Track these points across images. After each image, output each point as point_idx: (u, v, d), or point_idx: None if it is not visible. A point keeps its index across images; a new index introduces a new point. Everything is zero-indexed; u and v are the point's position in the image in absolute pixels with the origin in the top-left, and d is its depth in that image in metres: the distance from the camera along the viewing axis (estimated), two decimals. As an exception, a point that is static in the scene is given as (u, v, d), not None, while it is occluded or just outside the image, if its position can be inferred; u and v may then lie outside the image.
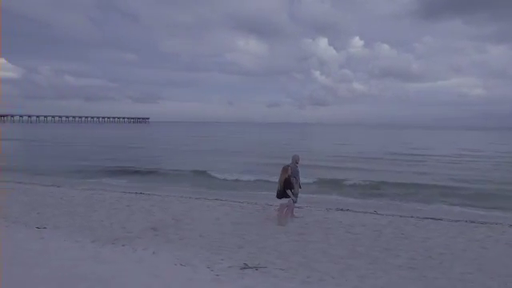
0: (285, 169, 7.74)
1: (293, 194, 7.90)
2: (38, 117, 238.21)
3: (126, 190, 13.35)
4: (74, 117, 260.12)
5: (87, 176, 18.43)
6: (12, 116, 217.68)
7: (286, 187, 7.63)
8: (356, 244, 6.75)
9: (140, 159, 26.64)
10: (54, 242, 6.30)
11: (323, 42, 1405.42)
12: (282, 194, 7.73)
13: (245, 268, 5.37)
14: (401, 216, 10.03)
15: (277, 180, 8.13)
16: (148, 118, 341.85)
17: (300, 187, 8.75)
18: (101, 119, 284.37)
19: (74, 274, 4.67)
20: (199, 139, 56.99)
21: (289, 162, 8.72)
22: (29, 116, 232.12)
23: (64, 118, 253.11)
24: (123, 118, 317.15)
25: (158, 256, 5.70)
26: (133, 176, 19.08)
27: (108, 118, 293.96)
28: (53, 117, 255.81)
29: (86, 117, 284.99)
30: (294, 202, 8.22)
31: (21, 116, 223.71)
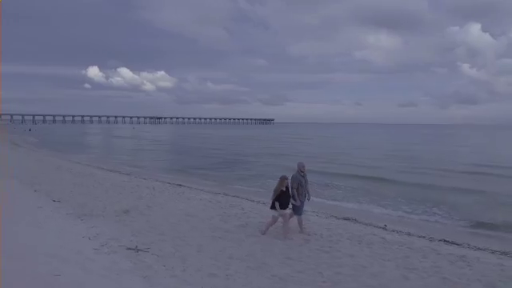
0: (281, 179, 6.99)
1: (296, 204, 7.14)
2: (188, 119, 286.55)
3: (176, 182, 15.34)
4: (213, 119, 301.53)
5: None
6: (165, 118, 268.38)
7: (276, 199, 6.89)
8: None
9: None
10: (48, 210, 8.26)
11: (475, 29, 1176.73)
12: (273, 205, 6.96)
13: (130, 249, 5.95)
14: None
15: None
16: (273, 120, 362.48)
17: (308, 198, 7.55)
18: (231, 120, 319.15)
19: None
20: (325, 139, 57.67)
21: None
22: (177, 118, 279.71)
23: (203, 120, 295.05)
24: (251, 119, 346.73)
25: (86, 229, 6.82)
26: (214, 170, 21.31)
27: (238, 119, 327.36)
28: (195, 118, 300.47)
29: (221, 118, 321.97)
30: (299, 214, 7.32)
31: (171, 118, 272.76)
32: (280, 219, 7.15)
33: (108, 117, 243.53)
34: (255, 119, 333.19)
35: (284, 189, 7.00)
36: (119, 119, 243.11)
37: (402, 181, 17.56)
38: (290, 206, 7.26)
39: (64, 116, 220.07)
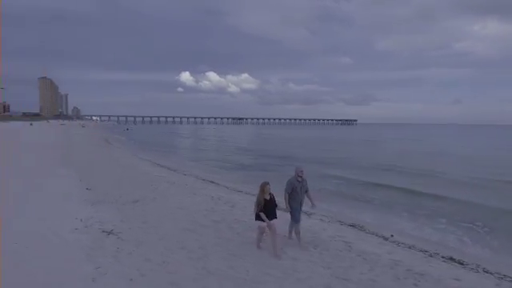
0: (261, 187, 6.17)
1: (285, 211, 6.60)
2: (268, 119, 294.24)
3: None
4: (293, 119, 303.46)
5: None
6: (246, 119, 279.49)
7: (260, 209, 6.08)
8: None
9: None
10: (73, 195, 9.85)
11: None
12: (258, 216, 6.13)
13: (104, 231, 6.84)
14: None
15: None
16: (356, 120, 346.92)
17: (312, 205, 6.92)
18: (313, 121, 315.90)
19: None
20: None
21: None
22: (257, 119, 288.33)
23: (283, 121, 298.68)
24: (332, 120, 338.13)
25: (86, 213, 7.98)
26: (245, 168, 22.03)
27: (319, 120, 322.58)
28: (275, 119, 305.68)
29: (301, 119, 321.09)
30: (297, 221, 6.72)
31: (252, 119, 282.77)
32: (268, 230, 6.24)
33: (195, 118, 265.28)
34: (337, 120, 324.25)
35: (268, 197, 6.16)
36: (205, 120, 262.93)
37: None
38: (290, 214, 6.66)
39: (159, 117, 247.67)
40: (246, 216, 8.50)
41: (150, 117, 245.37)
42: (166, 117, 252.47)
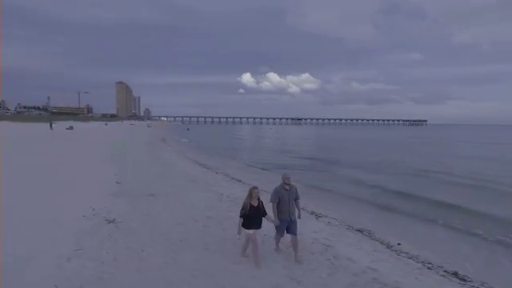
0: (249, 191, 5.77)
1: (274, 224, 5.99)
2: (328, 120, 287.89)
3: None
4: (355, 119, 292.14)
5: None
6: (306, 119, 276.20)
7: (243, 215, 5.64)
8: None
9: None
10: (101, 188, 11.00)
11: None
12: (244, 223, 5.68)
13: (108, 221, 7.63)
14: None
15: None
16: (425, 121, 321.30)
17: (298, 216, 6.26)
18: (377, 122, 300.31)
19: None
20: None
21: None
22: (317, 119, 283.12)
23: (344, 121, 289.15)
24: (399, 120, 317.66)
25: (102, 203, 8.92)
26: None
27: (384, 120, 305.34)
28: (335, 119, 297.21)
29: (364, 119, 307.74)
30: (281, 234, 6.18)
31: (311, 119, 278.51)
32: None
33: (254, 118, 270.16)
34: (404, 120, 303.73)
35: (255, 203, 5.65)
36: (264, 120, 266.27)
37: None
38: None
39: (220, 118, 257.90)
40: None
41: (212, 117, 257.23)
42: (227, 117, 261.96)
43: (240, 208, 5.79)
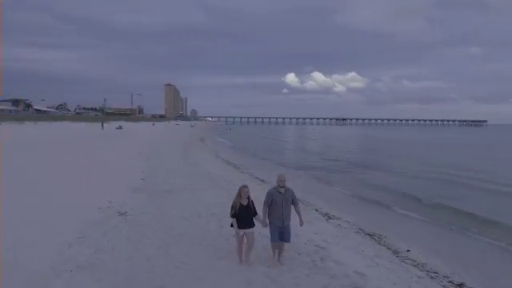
0: (239, 190, 5.65)
1: (262, 226, 5.73)
2: (376, 120, 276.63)
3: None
4: (404, 120, 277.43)
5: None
6: (351, 119, 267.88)
7: (233, 215, 5.58)
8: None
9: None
10: (126, 184, 11.81)
11: None
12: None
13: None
14: None
15: None
16: (485, 121, 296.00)
17: (300, 224, 5.89)
18: (431, 122, 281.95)
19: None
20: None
21: None
22: (363, 119, 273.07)
23: (392, 121, 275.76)
24: (454, 120, 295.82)
25: (121, 198, 9.60)
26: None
27: (438, 120, 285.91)
28: (383, 120, 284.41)
29: (414, 120, 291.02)
30: (275, 240, 5.72)
31: (357, 119, 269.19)
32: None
33: (297, 118, 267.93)
34: (461, 121, 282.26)
35: (245, 202, 5.55)
36: (307, 120, 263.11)
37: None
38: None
39: (263, 118, 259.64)
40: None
41: (255, 117, 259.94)
42: (270, 117, 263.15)
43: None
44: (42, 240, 6.10)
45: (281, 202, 5.64)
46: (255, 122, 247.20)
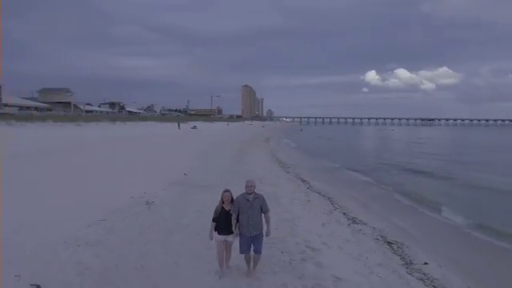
0: (221, 194, 5.49)
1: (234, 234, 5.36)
2: (470, 120, 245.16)
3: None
4: (507, 120, 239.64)
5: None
6: (439, 119, 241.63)
7: (214, 219, 5.39)
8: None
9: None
10: (167, 179, 13.06)
11: None
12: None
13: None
14: None
15: None
16: None
17: (267, 234, 5.36)
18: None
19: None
20: None
21: None
22: (454, 119, 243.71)
23: (492, 122, 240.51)
24: None
25: (153, 189, 10.71)
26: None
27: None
28: (480, 120, 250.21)
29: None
30: (243, 252, 5.35)
31: (446, 119, 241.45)
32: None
33: (377, 119, 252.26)
34: None
35: (227, 208, 5.33)
36: (388, 121, 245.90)
37: None
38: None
39: (338, 118, 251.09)
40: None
41: (330, 118, 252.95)
42: (346, 118, 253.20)
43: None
44: (68, 219, 7.34)
45: (249, 210, 5.17)
46: (331, 123, 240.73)
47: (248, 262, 5.46)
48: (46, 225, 6.97)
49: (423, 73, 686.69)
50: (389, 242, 8.48)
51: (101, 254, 5.91)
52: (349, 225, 9.62)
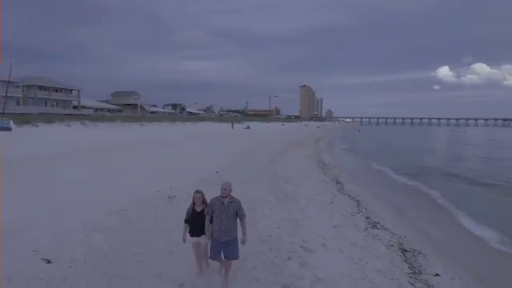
0: (193, 195, 5.46)
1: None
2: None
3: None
4: None
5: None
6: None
7: (186, 220, 5.40)
8: None
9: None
10: (202, 173, 13.82)
11: None
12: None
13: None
14: None
15: None
16: None
17: (243, 241, 5.13)
18: None
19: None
20: None
21: None
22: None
23: None
24: None
25: (184, 186, 11.46)
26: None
27: None
28: None
29: None
30: (212, 257, 5.15)
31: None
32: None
33: (448, 119, 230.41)
34: None
35: (199, 209, 5.26)
36: (461, 121, 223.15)
37: None
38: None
39: (403, 118, 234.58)
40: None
41: (394, 118, 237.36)
42: (412, 118, 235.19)
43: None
44: (94, 207, 8.34)
45: (223, 213, 4.92)
46: (394, 123, 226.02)
47: (220, 267, 5.35)
48: (73, 211, 8.03)
49: (507, 67, 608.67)
50: (404, 250, 7.97)
51: (110, 239, 6.66)
52: (366, 229, 9.23)
